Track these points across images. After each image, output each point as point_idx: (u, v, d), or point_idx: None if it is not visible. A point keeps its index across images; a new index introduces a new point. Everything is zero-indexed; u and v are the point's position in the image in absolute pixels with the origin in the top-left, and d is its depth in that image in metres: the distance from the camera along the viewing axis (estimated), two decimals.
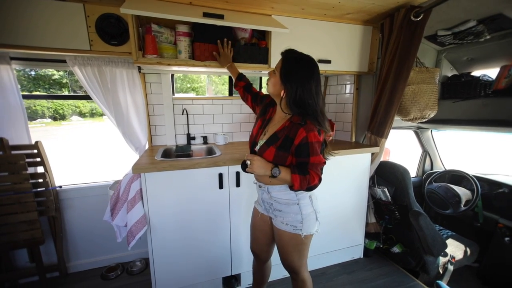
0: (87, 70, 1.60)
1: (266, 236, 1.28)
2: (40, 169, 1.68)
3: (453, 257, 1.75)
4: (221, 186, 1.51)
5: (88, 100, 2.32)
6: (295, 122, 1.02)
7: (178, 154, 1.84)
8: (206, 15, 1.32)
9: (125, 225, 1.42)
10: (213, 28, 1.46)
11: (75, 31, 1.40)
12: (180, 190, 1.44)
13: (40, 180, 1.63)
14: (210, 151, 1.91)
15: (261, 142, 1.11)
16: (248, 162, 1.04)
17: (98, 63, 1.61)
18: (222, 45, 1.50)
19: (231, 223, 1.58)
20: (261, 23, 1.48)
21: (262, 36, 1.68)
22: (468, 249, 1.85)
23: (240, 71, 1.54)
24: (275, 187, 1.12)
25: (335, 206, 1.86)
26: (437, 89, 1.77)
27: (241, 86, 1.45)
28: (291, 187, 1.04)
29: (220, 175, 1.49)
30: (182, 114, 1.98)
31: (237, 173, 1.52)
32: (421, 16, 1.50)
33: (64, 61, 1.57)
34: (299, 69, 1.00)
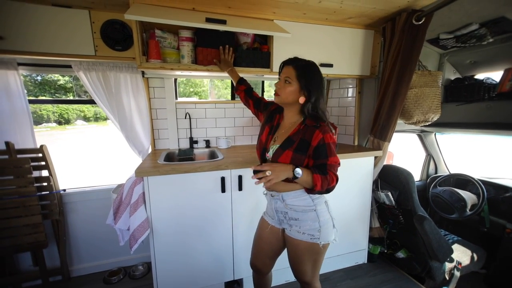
0: (91, 75, 1.63)
1: (272, 249, 1.23)
2: (45, 173, 1.69)
3: (459, 263, 1.72)
4: (223, 190, 1.51)
5: (93, 105, 2.35)
6: (309, 125, 1.03)
7: (181, 158, 1.84)
8: (208, 20, 1.34)
9: (127, 229, 1.42)
10: (215, 33, 1.49)
11: (80, 37, 1.43)
12: (183, 193, 1.45)
13: (45, 184, 1.64)
14: (212, 155, 1.92)
15: (274, 147, 1.09)
16: (269, 172, 0.96)
17: (102, 68, 1.64)
18: (224, 51, 1.52)
19: (233, 227, 1.58)
20: (263, 27, 1.49)
21: (264, 41, 1.69)
22: (475, 255, 1.81)
23: (243, 75, 1.55)
24: (290, 194, 1.08)
25: (339, 210, 1.84)
26: (440, 92, 1.76)
27: (242, 90, 1.45)
28: (311, 190, 1.01)
29: (223, 179, 1.49)
30: (185, 118, 2.00)
31: (239, 177, 1.52)
32: (423, 20, 1.50)
33: (69, 66, 1.60)
34: (314, 75, 1.04)
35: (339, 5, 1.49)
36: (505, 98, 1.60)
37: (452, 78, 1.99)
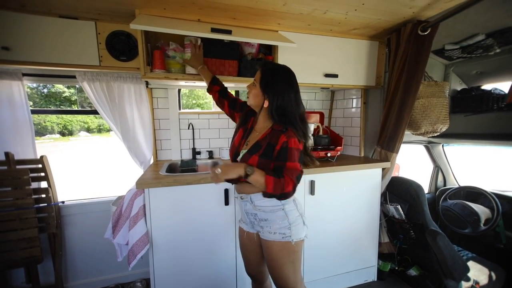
0: (95, 85, 1.62)
1: (257, 256, 1.22)
2: (44, 184, 1.65)
3: (477, 282, 1.61)
4: (226, 203, 1.45)
5: (96, 116, 2.35)
6: (276, 129, 1.04)
7: (183, 169, 1.80)
8: (214, 30, 1.34)
9: (126, 243, 1.36)
10: (220, 44, 1.49)
11: (85, 48, 1.44)
12: (185, 206, 1.39)
13: (43, 196, 1.60)
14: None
15: (243, 152, 1.10)
16: (219, 170, 0.99)
17: (106, 79, 1.64)
18: (195, 45, 1.44)
19: (236, 241, 1.51)
20: (268, 38, 1.50)
21: (268, 51, 1.69)
22: (493, 274, 1.71)
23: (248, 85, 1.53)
24: (258, 195, 1.09)
25: (345, 224, 1.77)
26: (448, 103, 1.73)
27: (216, 91, 1.38)
28: (264, 193, 1.01)
29: (226, 191, 1.44)
30: (188, 128, 1.97)
31: None
32: (429, 31, 1.50)
33: (74, 77, 1.60)
34: (278, 79, 1.04)
35: (344, 17, 1.49)
36: None
37: (458, 88, 1.96)
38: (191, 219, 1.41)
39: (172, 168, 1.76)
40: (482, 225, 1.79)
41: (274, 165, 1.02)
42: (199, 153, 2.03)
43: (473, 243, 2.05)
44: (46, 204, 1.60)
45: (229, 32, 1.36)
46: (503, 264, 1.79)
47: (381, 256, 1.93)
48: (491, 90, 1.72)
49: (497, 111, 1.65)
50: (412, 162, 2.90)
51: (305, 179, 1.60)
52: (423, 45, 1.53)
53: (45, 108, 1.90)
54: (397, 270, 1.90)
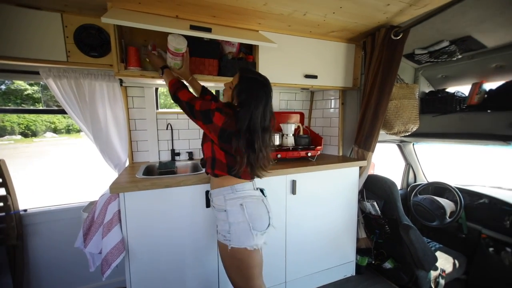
0: (62, 82, 1.49)
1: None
2: (1, 191, 1.49)
3: (443, 271, 1.74)
4: (208, 205, 1.41)
5: (65, 115, 2.16)
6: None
7: (162, 171, 1.73)
8: (193, 28, 1.30)
9: (99, 252, 1.27)
10: (200, 42, 1.45)
11: (50, 41, 1.31)
12: (164, 210, 1.33)
13: (1, 204, 1.44)
14: (196, 168, 1.82)
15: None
16: (155, 53, 1.25)
17: (75, 76, 1.52)
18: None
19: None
20: (249, 37, 1.48)
21: (249, 51, 1.68)
22: (456, 262, 1.85)
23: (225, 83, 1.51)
24: (214, 191, 1.15)
25: (325, 221, 1.81)
26: (418, 104, 1.85)
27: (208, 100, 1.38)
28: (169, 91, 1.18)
29: (207, 193, 1.40)
30: (167, 129, 1.90)
31: None
32: (401, 35, 1.58)
33: (37, 73, 1.46)
34: (252, 90, 1.06)
35: (323, 19, 1.52)
36: (474, 110, 1.71)
37: (427, 91, 2.10)
38: (170, 223, 1.35)
39: (149, 171, 1.68)
40: (447, 217, 1.94)
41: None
42: (178, 154, 1.96)
43: (440, 234, 2.21)
44: (4, 214, 1.44)
45: (209, 30, 1.33)
46: (465, 252, 1.95)
47: (359, 251, 2.01)
48: (454, 93, 1.87)
49: (460, 112, 1.79)
50: (386, 160, 3.06)
51: (287, 179, 1.62)
52: (396, 49, 1.62)
53: (4, 107, 1.71)
54: (374, 264, 1.99)
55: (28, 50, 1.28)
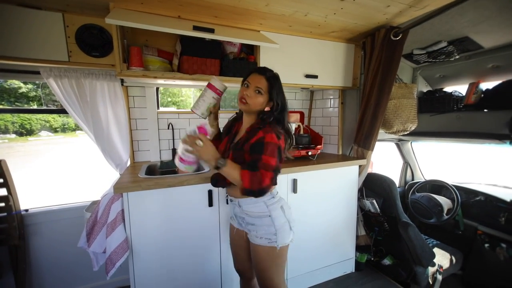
0: (63, 82, 1.49)
1: (245, 251, 1.24)
2: (3, 192, 1.48)
3: (441, 266, 1.78)
4: (210, 204, 1.43)
5: (60, 114, 2.12)
6: (254, 126, 1.06)
7: (163, 171, 1.73)
8: (196, 28, 1.30)
9: (103, 251, 1.27)
10: (201, 42, 1.45)
11: (52, 41, 1.31)
12: (167, 210, 1.34)
13: (2, 204, 1.44)
14: (198, 167, 1.83)
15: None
16: (200, 143, 0.92)
17: (76, 75, 1.51)
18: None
19: (221, 243, 1.49)
20: (251, 38, 1.49)
21: (250, 51, 1.69)
22: (453, 257, 1.90)
23: (229, 85, 1.50)
24: (246, 200, 1.10)
25: (326, 219, 1.84)
26: (416, 104, 1.87)
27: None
28: (242, 189, 0.95)
29: (210, 192, 1.42)
30: (168, 128, 1.90)
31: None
32: (400, 36, 1.61)
33: (37, 73, 1.45)
34: (279, 85, 1.09)
35: (324, 19, 1.54)
36: (471, 109, 1.74)
37: (425, 90, 2.13)
38: (173, 222, 1.36)
39: (151, 170, 1.69)
40: (445, 214, 1.98)
41: (249, 159, 0.97)
42: None
43: (437, 231, 2.26)
44: (5, 214, 1.44)
45: (211, 30, 1.33)
46: (461, 248, 2.00)
47: (358, 248, 2.05)
48: (451, 92, 1.90)
49: (457, 111, 1.82)
50: (384, 158, 3.10)
51: (288, 178, 1.63)
52: (395, 49, 1.64)
53: (4, 107, 1.69)
54: (373, 260, 2.03)
55: (29, 50, 1.27)
